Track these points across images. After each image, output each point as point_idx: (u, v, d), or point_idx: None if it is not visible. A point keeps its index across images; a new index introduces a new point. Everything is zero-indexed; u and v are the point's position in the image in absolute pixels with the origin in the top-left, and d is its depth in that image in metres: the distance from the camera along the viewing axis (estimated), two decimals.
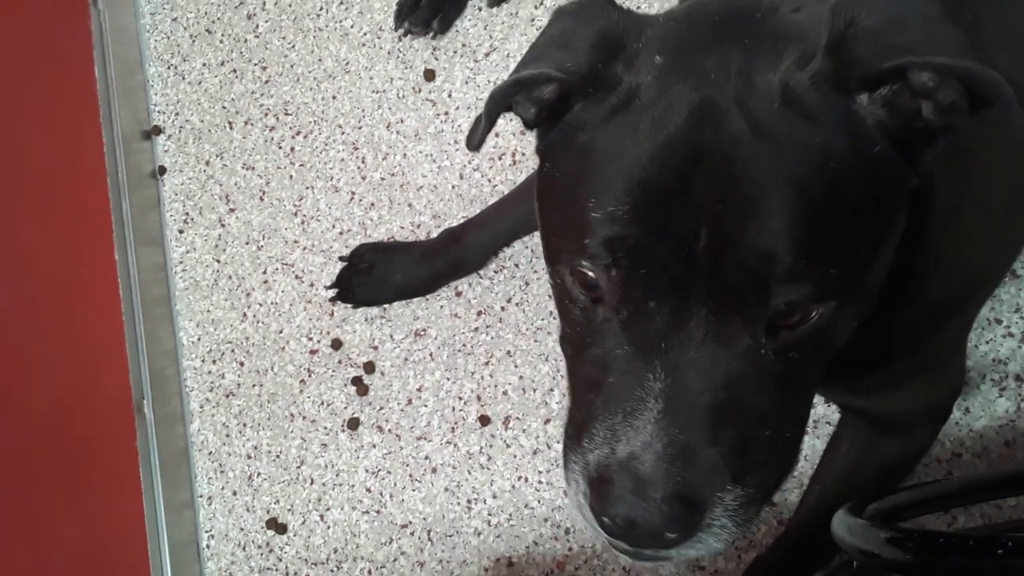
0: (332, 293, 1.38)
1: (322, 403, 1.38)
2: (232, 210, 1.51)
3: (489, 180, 1.37)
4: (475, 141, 0.67)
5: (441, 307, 1.35)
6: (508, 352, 1.30)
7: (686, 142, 0.55)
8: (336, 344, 1.38)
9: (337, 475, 1.34)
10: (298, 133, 1.50)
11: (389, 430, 1.33)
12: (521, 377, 1.28)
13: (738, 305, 0.56)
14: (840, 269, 0.56)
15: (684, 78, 0.57)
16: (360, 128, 1.47)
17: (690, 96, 0.56)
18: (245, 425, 1.42)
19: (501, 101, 0.63)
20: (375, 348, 1.37)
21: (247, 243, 1.49)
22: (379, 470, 1.32)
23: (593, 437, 0.60)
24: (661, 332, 0.57)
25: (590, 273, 0.59)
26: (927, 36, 0.55)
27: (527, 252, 1.32)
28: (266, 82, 1.55)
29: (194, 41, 1.62)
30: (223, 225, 1.51)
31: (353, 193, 1.44)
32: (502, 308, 1.32)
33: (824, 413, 1.14)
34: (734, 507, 0.58)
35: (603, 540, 0.61)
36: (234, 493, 1.40)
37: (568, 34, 0.62)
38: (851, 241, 0.57)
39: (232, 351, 1.45)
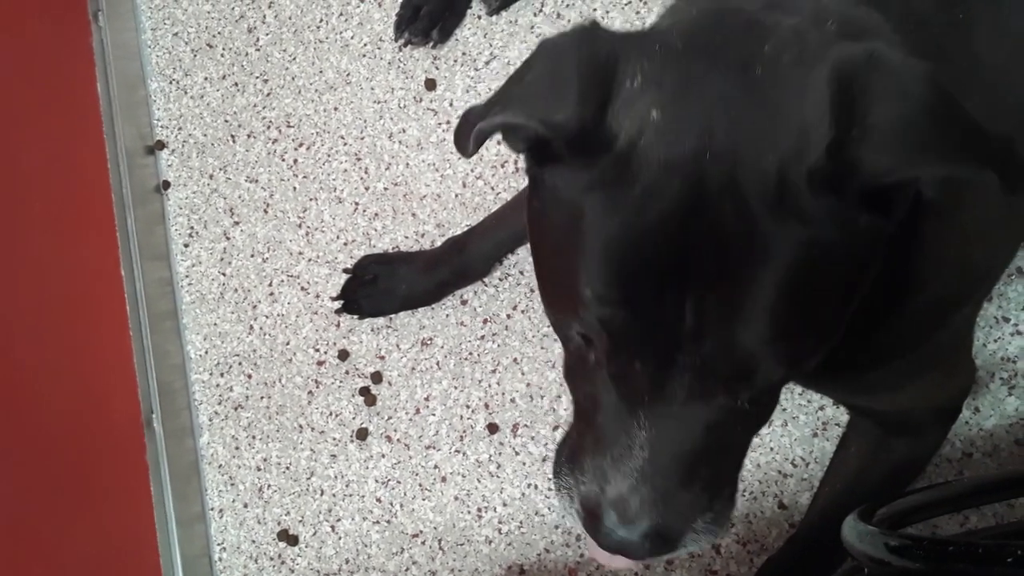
0: (338, 305, 1.39)
1: (330, 414, 1.38)
2: (237, 223, 1.52)
3: (492, 188, 1.37)
4: (466, 152, 0.65)
5: (447, 316, 1.35)
6: (515, 359, 1.30)
7: (676, 230, 0.55)
8: (343, 355, 1.39)
9: (347, 486, 1.35)
10: (301, 145, 1.51)
11: (398, 440, 1.33)
12: (528, 384, 1.28)
13: (719, 381, 0.60)
14: (819, 338, 0.60)
15: (679, 150, 0.55)
16: (362, 139, 1.47)
17: (684, 176, 0.54)
18: (254, 437, 1.42)
19: (487, 136, 0.62)
20: (382, 358, 1.37)
21: (252, 256, 1.49)
22: (389, 480, 1.32)
23: (585, 471, 0.67)
24: (646, 388, 0.61)
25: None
26: (940, 136, 0.51)
27: (531, 259, 1.32)
28: (268, 95, 1.55)
29: (195, 55, 1.63)
30: (228, 238, 1.52)
31: (357, 204, 1.45)
32: (508, 316, 1.32)
33: (833, 415, 1.14)
34: (703, 529, 0.66)
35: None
36: (245, 505, 1.40)
37: (556, 76, 0.58)
38: (831, 311, 0.59)
39: (240, 364, 1.46)
